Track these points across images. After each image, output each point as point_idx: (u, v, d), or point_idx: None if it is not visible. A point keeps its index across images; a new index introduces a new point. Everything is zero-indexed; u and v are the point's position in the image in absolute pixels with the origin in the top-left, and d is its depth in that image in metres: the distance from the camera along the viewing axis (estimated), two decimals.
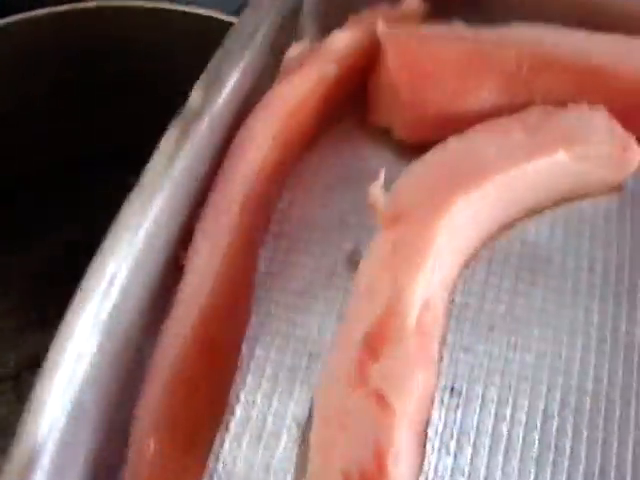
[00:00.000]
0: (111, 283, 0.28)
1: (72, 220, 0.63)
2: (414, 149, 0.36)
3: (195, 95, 0.32)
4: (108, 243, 0.28)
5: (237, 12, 0.61)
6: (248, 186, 0.32)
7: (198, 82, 0.32)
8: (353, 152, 0.37)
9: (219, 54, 0.33)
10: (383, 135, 0.37)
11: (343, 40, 0.36)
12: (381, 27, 0.36)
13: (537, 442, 0.29)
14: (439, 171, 0.33)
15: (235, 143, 0.33)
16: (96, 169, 0.60)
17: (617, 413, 0.30)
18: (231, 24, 0.50)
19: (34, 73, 0.53)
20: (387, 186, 0.33)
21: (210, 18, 0.49)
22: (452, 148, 0.34)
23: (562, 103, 0.36)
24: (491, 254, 0.34)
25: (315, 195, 0.35)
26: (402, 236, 0.31)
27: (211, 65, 0.33)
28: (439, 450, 0.29)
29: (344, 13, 0.38)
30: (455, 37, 0.36)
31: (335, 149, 0.37)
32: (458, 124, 0.35)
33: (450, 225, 0.31)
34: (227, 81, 0.33)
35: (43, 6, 0.50)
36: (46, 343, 0.58)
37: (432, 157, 0.33)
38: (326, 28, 0.38)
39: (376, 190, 0.32)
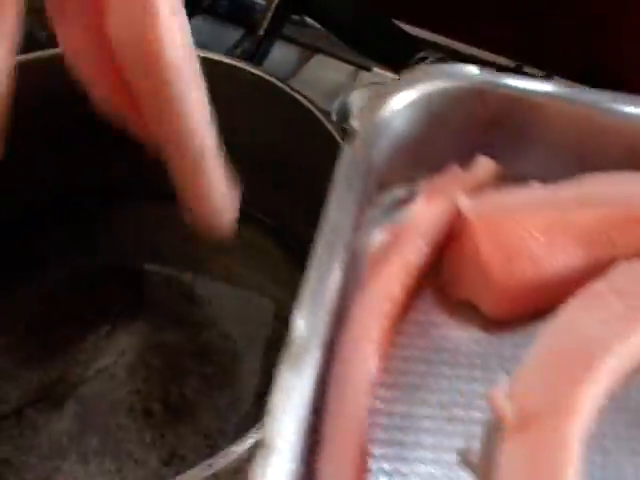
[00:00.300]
0: None
1: (74, 252, 0.65)
2: (500, 321, 0.36)
3: (299, 325, 0.30)
4: None
5: (228, 52, 0.61)
6: (360, 405, 0.31)
7: (297, 310, 0.31)
8: (437, 331, 0.36)
9: (312, 274, 0.32)
10: (463, 307, 0.37)
11: (425, 219, 0.35)
12: (464, 203, 0.35)
13: None
14: (554, 361, 0.33)
15: (341, 356, 0.32)
16: (96, 200, 0.64)
17: None
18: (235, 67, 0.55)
19: (43, 110, 0.56)
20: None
21: (220, 62, 0.56)
22: (556, 331, 0.34)
23: None
24: (602, 429, 0.34)
25: (412, 389, 0.34)
26: (535, 445, 0.31)
27: (305, 289, 0.31)
28: None
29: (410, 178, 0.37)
30: (537, 202, 0.36)
31: (418, 330, 0.36)
32: (545, 293, 0.35)
33: (581, 423, 0.31)
34: (326, 303, 0.31)
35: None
36: (48, 379, 0.57)
37: (542, 345, 0.33)
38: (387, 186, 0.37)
39: (500, 399, 0.31)
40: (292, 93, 0.56)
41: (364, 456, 0.31)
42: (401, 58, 0.63)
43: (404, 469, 0.32)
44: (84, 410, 0.59)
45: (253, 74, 0.57)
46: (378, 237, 0.36)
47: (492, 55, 0.73)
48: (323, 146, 0.51)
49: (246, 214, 0.62)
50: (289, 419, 0.29)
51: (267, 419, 0.29)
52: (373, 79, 0.72)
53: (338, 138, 0.50)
